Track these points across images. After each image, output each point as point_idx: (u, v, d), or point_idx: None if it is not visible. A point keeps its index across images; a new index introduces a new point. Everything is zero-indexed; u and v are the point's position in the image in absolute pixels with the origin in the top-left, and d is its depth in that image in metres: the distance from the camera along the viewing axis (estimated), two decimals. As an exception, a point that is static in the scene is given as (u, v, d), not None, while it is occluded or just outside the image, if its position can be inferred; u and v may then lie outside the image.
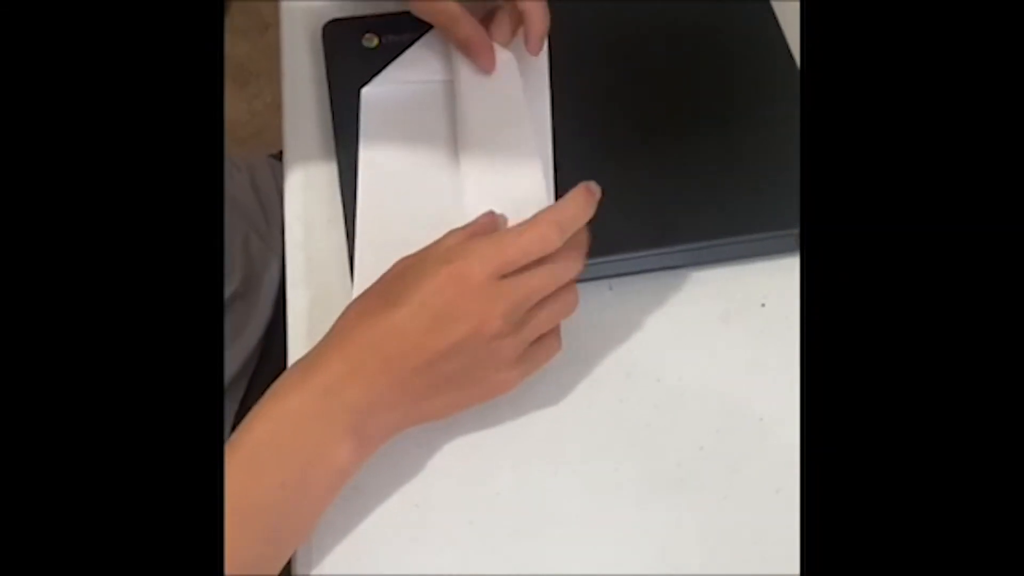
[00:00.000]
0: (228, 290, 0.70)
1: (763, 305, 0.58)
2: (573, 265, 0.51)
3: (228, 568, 0.44)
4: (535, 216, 0.51)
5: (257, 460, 0.47)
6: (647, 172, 0.60)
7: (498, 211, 0.55)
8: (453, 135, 0.61)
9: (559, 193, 0.58)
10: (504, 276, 0.49)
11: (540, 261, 0.50)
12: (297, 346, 0.57)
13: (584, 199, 0.52)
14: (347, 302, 0.52)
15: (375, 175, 0.60)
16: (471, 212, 0.55)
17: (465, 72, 0.62)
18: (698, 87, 0.63)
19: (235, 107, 1.37)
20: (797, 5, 0.64)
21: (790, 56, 0.63)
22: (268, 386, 0.50)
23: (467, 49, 0.60)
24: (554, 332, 0.53)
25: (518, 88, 0.61)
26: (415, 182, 0.60)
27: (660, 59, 0.64)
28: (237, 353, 0.71)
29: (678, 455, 0.53)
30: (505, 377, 0.51)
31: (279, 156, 0.85)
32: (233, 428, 0.48)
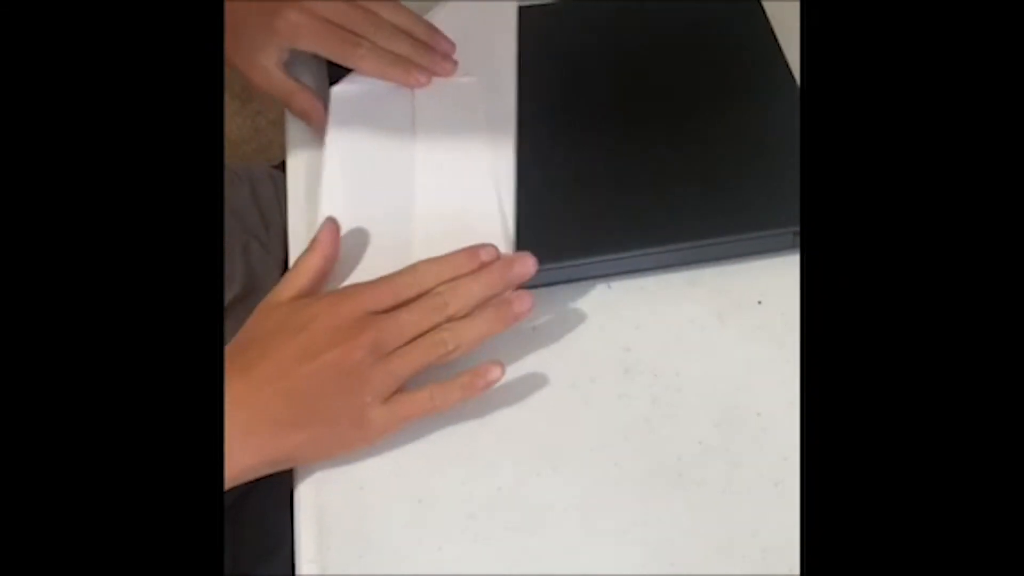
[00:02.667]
0: (229, 295, 0.71)
1: (760, 302, 0.58)
2: (449, 303, 0.52)
3: None
4: (417, 263, 0.53)
5: None
6: (644, 172, 0.60)
7: (449, 229, 0.56)
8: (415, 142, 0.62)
9: (552, 195, 0.59)
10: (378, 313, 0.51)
11: (417, 301, 0.52)
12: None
13: (466, 258, 0.53)
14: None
15: (338, 173, 0.61)
16: (420, 234, 0.57)
17: (423, 93, 0.63)
18: (692, 86, 0.64)
19: (239, 124, 1.38)
20: (790, 5, 0.64)
21: (781, 54, 0.64)
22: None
23: (307, 120, 0.63)
24: (435, 388, 0.52)
25: (479, 112, 0.62)
26: (375, 184, 0.61)
27: (654, 59, 0.65)
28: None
29: (677, 450, 0.54)
30: (374, 416, 0.51)
31: (280, 167, 0.86)
32: None
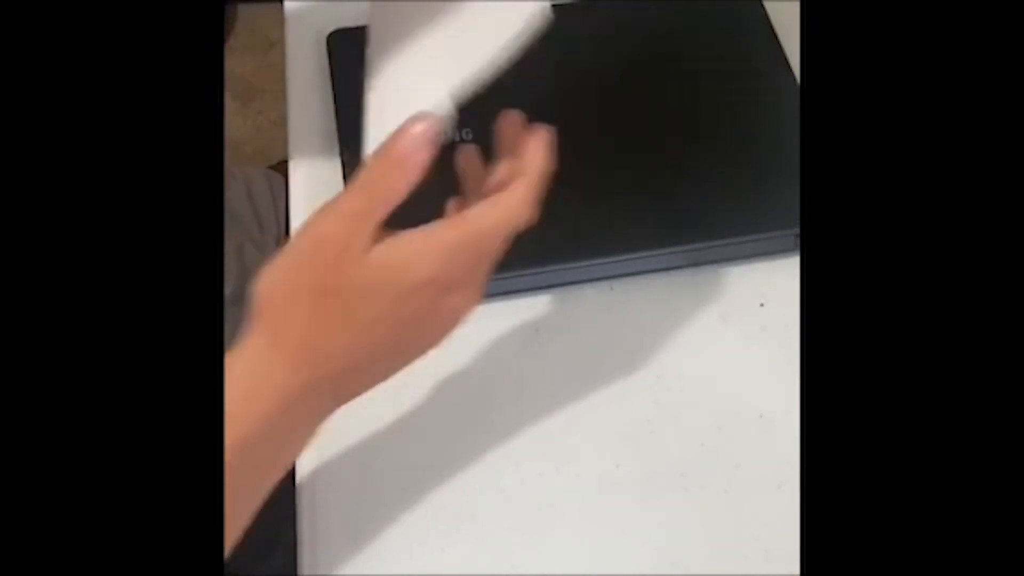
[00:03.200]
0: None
1: (762, 305, 0.59)
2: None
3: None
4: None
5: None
6: (646, 174, 0.60)
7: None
8: None
9: (553, 196, 0.59)
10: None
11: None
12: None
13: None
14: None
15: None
16: None
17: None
18: (692, 87, 0.64)
19: (239, 124, 1.38)
20: (790, 5, 0.65)
21: (784, 56, 0.64)
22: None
23: None
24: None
25: None
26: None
27: (654, 59, 0.65)
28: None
29: (680, 452, 0.54)
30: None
31: (277, 167, 0.86)
32: None
